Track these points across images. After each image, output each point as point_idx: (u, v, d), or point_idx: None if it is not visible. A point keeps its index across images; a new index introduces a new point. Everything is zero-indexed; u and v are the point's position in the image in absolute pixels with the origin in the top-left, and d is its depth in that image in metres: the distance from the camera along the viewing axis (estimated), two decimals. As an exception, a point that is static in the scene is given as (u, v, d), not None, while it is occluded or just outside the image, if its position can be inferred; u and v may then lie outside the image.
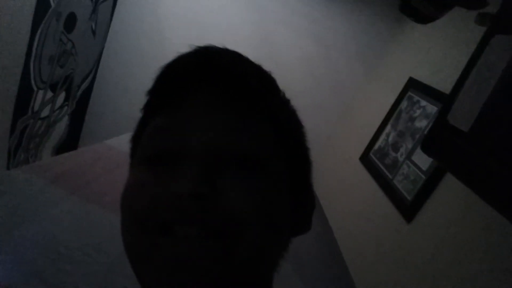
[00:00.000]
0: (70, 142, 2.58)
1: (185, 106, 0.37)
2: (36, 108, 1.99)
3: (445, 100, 0.73)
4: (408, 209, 1.36)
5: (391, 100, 1.89)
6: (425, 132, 1.48)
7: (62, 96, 2.26)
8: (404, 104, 1.78)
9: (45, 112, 2.11)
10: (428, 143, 0.72)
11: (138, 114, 0.44)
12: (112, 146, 1.28)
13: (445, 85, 1.45)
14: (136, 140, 0.43)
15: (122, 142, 1.34)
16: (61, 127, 2.42)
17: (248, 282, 0.34)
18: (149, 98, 0.41)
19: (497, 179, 0.56)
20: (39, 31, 1.75)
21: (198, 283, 0.31)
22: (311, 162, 0.46)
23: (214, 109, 0.37)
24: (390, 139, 1.76)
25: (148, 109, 0.42)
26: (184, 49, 0.39)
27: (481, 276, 0.92)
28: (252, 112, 0.37)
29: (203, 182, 0.32)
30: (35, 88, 1.91)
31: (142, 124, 0.42)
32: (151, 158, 0.37)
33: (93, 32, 2.35)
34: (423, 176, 1.37)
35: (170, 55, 0.39)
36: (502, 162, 0.55)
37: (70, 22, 2.02)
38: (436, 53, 1.70)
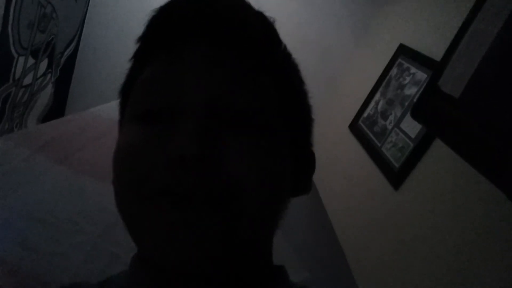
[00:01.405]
0: (55, 110, 2.53)
1: (180, 56, 0.34)
2: (17, 75, 1.92)
3: (436, 66, 0.73)
4: (396, 176, 1.38)
5: (381, 67, 1.87)
6: (415, 99, 1.48)
7: (45, 63, 2.18)
8: (394, 71, 1.77)
9: (27, 80, 2.05)
10: (418, 109, 0.72)
11: (125, 73, 0.41)
12: (99, 114, 1.26)
13: (436, 52, 1.44)
14: (125, 93, 0.39)
15: (109, 110, 1.32)
16: (46, 95, 2.36)
17: (251, 246, 0.33)
18: (140, 45, 0.37)
19: (486, 145, 0.56)
20: (16, -7, 1.67)
21: (201, 251, 0.29)
22: (313, 120, 0.43)
23: (212, 60, 0.33)
24: (380, 106, 1.76)
25: (139, 58, 0.38)
26: None
27: (470, 243, 0.95)
28: (254, 64, 0.34)
29: (203, 142, 0.29)
30: (15, 55, 1.84)
31: (132, 75, 0.38)
32: (144, 115, 0.33)
33: (75, -5, 2.25)
34: (411, 144, 1.38)
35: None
36: (491, 128, 0.55)
37: (49, -16, 1.93)
38: (427, 19, 1.68)
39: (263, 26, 0.36)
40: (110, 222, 0.76)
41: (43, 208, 0.74)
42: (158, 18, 0.35)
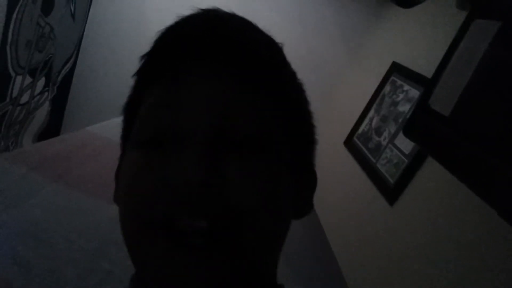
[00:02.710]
0: (51, 128, 2.53)
1: (185, 79, 0.33)
2: (14, 94, 1.93)
3: (427, 85, 0.74)
4: (391, 192, 1.39)
5: (375, 84, 1.90)
6: (407, 116, 1.50)
7: (42, 81, 2.20)
8: (387, 88, 1.79)
9: (24, 98, 2.06)
10: (409, 127, 0.73)
11: (120, 99, 0.41)
12: (95, 132, 1.26)
13: (428, 70, 1.47)
14: (129, 110, 0.38)
15: (105, 129, 1.33)
16: (42, 113, 2.36)
17: (255, 277, 0.32)
18: (146, 63, 0.36)
19: (476, 163, 0.57)
20: (14, 14, 1.69)
21: (199, 281, 0.28)
22: (316, 142, 0.43)
23: (217, 82, 0.32)
24: (374, 123, 1.78)
25: (143, 78, 0.37)
26: (165, 26, 0.35)
27: (464, 258, 0.95)
28: (259, 86, 0.33)
29: (208, 168, 0.28)
30: (13, 74, 1.85)
31: (136, 93, 0.37)
32: (147, 141, 0.32)
33: (72, 16, 2.28)
34: (405, 160, 1.39)
35: (151, 37, 0.36)
36: (481, 146, 0.56)
37: (48, 4, 1.96)
38: (419, 37, 1.72)
39: (270, 48, 0.36)
40: (105, 239, 0.76)
41: (38, 225, 0.74)
42: (166, 38, 0.35)
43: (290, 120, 0.36)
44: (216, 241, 0.29)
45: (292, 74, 0.39)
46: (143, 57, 0.37)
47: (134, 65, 0.38)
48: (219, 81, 0.32)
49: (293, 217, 0.39)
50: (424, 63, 1.54)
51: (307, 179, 0.42)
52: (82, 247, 0.73)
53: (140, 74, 0.38)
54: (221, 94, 0.32)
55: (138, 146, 0.33)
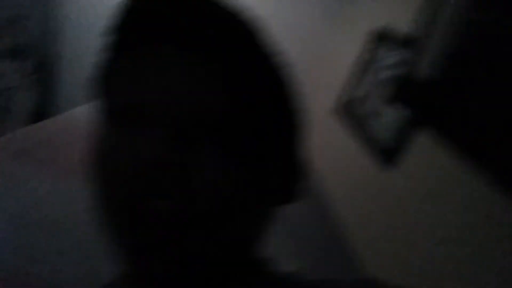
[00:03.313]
0: (38, 113, 2.49)
1: (150, 51, 0.32)
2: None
3: (414, 50, 0.73)
4: (388, 155, 1.39)
5: (360, 48, 1.87)
6: (396, 81, 1.48)
7: (24, 65, 2.14)
8: (375, 52, 1.77)
9: (2, 84, 2.01)
10: (398, 93, 0.72)
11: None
12: (80, 115, 1.23)
13: (415, 33, 1.44)
14: (97, 86, 0.37)
15: (90, 111, 1.30)
16: (25, 98, 2.31)
17: (227, 262, 0.33)
18: (110, 36, 0.35)
19: (468, 126, 0.57)
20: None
21: (167, 265, 0.30)
22: (298, 126, 0.39)
23: (189, 62, 0.31)
24: (365, 88, 1.77)
25: (109, 50, 0.35)
26: None
27: (460, 223, 0.96)
28: (232, 66, 0.32)
29: (171, 148, 0.29)
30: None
31: (103, 69, 0.36)
32: (118, 115, 0.32)
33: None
34: (399, 125, 1.38)
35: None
36: (473, 108, 0.56)
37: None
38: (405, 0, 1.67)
39: (242, 27, 0.33)
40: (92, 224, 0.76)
41: (30, 210, 0.74)
42: (129, 10, 0.33)
43: (267, 104, 0.34)
44: (175, 222, 0.29)
45: (270, 52, 0.35)
46: (112, 31, 0.35)
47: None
48: (194, 59, 0.31)
49: (276, 205, 0.38)
50: (412, 26, 1.51)
51: (290, 167, 0.40)
52: (77, 231, 0.73)
53: (106, 48, 0.36)
54: (190, 76, 0.31)
55: (110, 116, 0.32)
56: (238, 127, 0.32)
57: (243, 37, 0.33)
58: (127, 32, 0.34)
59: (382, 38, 1.73)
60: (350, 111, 1.83)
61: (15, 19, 1.92)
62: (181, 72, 0.31)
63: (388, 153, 1.37)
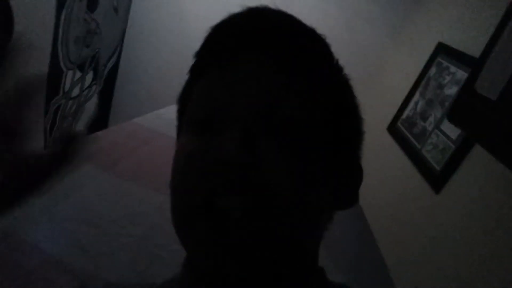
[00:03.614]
0: (100, 120, 2.67)
1: (232, 69, 0.35)
2: (66, 88, 2.05)
3: (473, 67, 0.71)
4: (437, 179, 1.34)
5: (420, 66, 1.82)
6: (452, 100, 1.43)
7: (90, 75, 2.31)
8: (432, 70, 1.72)
9: (75, 92, 2.18)
10: (454, 112, 0.70)
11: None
12: (141, 124, 1.32)
13: (476, 50, 1.39)
14: (182, 103, 0.42)
15: (150, 120, 1.38)
16: (91, 105, 2.49)
17: (290, 257, 0.35)
18: (197, 60, 0.39)
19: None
20: (63, 12, 1.78)
21: (238, 258, 0.31)
22: (363, 134, 0.44)
23: (262, 72, 0.35)
24: (419, 107, 1.72)
25: (195, 70, 0.40)
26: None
27: (510, 248, 0.91)
28: (302, 76, 0.35)
29: (243, 149, 0.31)
30: (64, 69, 1.97)
31: (189, 87, 0.40)
32: (197, 124, 0.35)
33: (115, 10, 2.37)
34: (452, 146, 1.34)
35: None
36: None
37: (93, 1, 2.05)
38: (465, 16, 1.62)
39: (312, 40, 0.37)
40: (152, 224, 0.81)
41: (92, 212, 0.80)
42: (215, 33, 0.38)
43: (333, 111, 0.37)
44: (250, 218, 0.31)
45: (338, 67, 0.40)
46: (195, 55, 0.40)
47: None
48: (263, 71, 0.35)
49: (337, 208, 0.41)
50: (472, 44, 1.46)
51: (351, 172, 0.43)
52: (132, 233, 0.78)
53: (192, 71, 0.41)
54: (263, 82, 0.34)
55: (189, 128, 0.37)
56: (307, 132, 0.34)
57: (316, 52, 0.37)
58: (211, 50, 0.38)
59: (444, 52, 1.68)
60: (404, 130, 1.78)
61: (88, 35, 2.10)
62: (263, 81, 0.34)
63: (438, 176, 1.32)
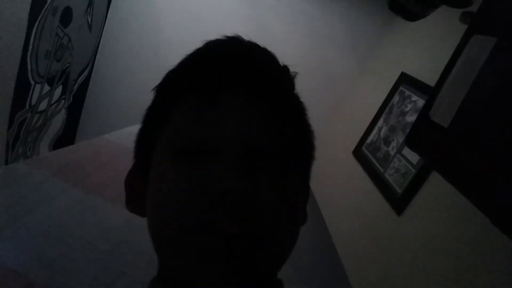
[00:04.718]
0: (67, 135, 2.60)
1: (221, 99, 0.37)
2: (33, 102, 2.00)
3: (428, 96, 0.77)
4: (399, 202, 1.40)
5: (384, 94, 1.92)
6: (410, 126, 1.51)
7: (59, 90, 2.27)
8: (396, 98, 1.82)
9: (42, 106, 2.13)
10: (411, 138, 0.75)
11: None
12: (110, 140, 1.31)
13: (435, 80, 1.49)
14: (154, 125, 0.42)
15: (119, 136, 1.38)
16: (59, 120, 2.44)
17: (270, 276, 0.37)
18: (174, 84, 0.40)
19: (473, 173, 0.59)
20: (35, 25, 1.76)
21: (230, 277, 0.32)
22: (314, 159, 0.48)
23: (249, 104, 0.37)
24: (382, 133, 1.80)
25: (171, 93, 0.40)
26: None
27: (468, 268, 0.96)
28: (283, 111, 0.39)
29: (245, 178, 0.32)
30: (32, 82, 1.93)
31: (163, 108, 0.40)
32: (184, 153, 0.36)
33: (89, 26, 2.36)
34: (413, 170, 1.41)
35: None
36: (478, 157, 0.59)
37: (66, 16, 2.03)
38: (425, 49, 1.74)
39: (289, 77, 0.42)
40: (119, 241, 0.81)
41: (57, 227, 0.79)
42: (195, 62, 0.40)
43: (303, 142, 0.43)
44: (243, 243, 0.32)
45: (299, 99, 0.45)
46: (170, 73, 0.41)
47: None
48: (250, 103, 0.37)
49: (302, 224, 0.44)
50: (431, 74, 1.56)
51: (307, 192, 0.47)
52: (99, 248, 0.77)
53: (167, 89, 0.42)
54: (253, 115, 0.37)
55: (173, 154, 0.37)
56: (292, 163, 0.38)
57: (285, 84, 0.42)
58: (193, 76, 0.39)
59: (406, 82, 1.78)
60: (368, 154, 1.85)
61: (59, 49, 2.08)
62: (250, 116, 0.37)
63: (400, 198, 1.38)
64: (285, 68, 0.42)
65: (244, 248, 0.32)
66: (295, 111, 0.42)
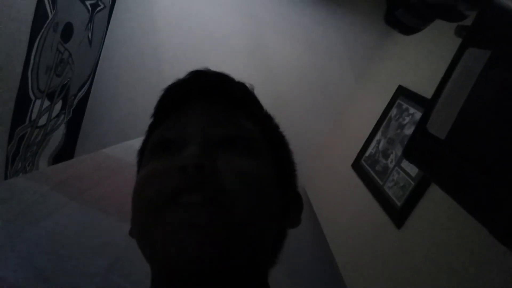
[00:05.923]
0: (66, 149, 2.61)
1: (183, 113, 0.48)
2: (33, 117, 2.01)
3: (425, 108, 0.78)
4: (398, 215, 1.40)
5: (382, 107, 1.93)
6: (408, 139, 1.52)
7: (59, 104, 2.28)
8: (393, 111, 1.83)
9: (42, 121, 2.14)
10: (409, 150, 0.76)
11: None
12: (109, 154, 1.31)
13: (432, 93, 1.50)
14: (142, 153, 0.53)
15: (119, 151, 1.38)
16: (58, 135, 2.44)
17: (243, 247, 0.39)
18: (154, 119, 0.52)
19: (471, 185, 0.60)
20: (37, 41, 1.78)
21: (200, 242, 0.35)
22: (295, 165, 0.56)
23: (207, 111, 0.48)
24: (381, 146, 1.81)
25: (152, 126, 0.52)
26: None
27: (469, 281, 0.95)
28: (238, 112, 0.50)
29: (203, 156, 0.40)
30: (32, 97, 1.94)
31: (147, 140, 0.52)
32: (156, 149, 0.46)
33: (89, 41, 2.39)
34: (412, 182, 1.41)
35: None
36: (476, 168, 0.59)
37: (67, 32, 2.06)
38: (422, 62, 1.76)
39: (242, 90, 0.53)
40: (118, 255, 0.80)
41: (57, 241, 0.79)
42: (164, 95, 0.52)
43: (263, 132, 0.50)
44: (208, 211, 0.37)
45: (266, 113, 0.57)
46: (152, 115, 0.53)
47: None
48: (208, 111, 0.49)
49: (288, 226, 0.52)
50: (429, 87, 1.58)
51: (293, 198, 0.54)
52: (98, 263, 0.77)
53: (150, 127, 0.53)
54: (210, 116, 0.48)
55: (150, 158, 0.46)
56: (253, 146, 0.47)
57: (243, 95, 0.53)
58: (164, 108, 0.52)
59: (404, 95, 1.79)
60: (367, 166, 1.85)
61: (59, 64, 2.09)
62: (206, 116, 0.48)
63: (399, 211, 1.38)
64: (239, 83, 0.53)
65: (208, 216, 0.36)
66: (249, 109, 0.52)
